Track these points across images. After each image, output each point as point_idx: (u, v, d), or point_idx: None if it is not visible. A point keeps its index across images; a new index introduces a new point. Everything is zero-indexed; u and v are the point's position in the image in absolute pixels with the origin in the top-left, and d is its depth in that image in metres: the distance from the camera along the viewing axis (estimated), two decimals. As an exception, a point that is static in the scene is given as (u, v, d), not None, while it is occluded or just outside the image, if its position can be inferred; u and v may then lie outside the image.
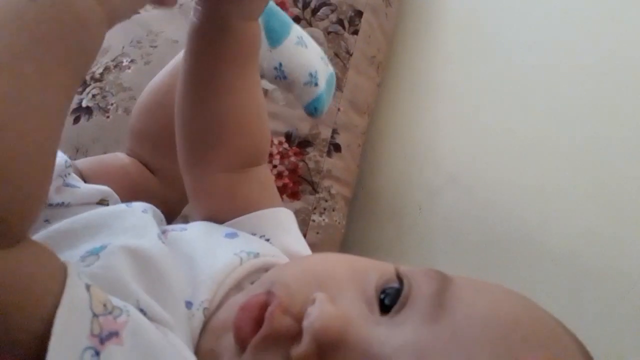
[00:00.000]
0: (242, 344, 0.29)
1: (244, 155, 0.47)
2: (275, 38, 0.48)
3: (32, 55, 0.26)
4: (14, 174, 0.24)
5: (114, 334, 0.26)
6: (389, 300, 0.30)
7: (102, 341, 0.25)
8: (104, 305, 0.26)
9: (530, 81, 0.82)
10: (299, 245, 0.48)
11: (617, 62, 0.75)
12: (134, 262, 0.31)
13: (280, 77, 0.49)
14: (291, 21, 0.50)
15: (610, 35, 0.76)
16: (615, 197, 0.70)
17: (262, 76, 0.50)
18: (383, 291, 0.31)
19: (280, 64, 0.48)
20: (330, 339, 0.28)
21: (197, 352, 0.32)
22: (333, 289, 0.31)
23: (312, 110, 0.50)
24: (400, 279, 0.31)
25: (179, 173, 0.53)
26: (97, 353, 0.25)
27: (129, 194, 0.53)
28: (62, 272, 0.26)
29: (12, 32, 0.26)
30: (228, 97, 0.45)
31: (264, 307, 0.30)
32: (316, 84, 0.48)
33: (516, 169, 0.79)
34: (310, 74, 0.48)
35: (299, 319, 0.29)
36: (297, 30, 0.50)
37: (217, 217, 0.47)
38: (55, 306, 0.25)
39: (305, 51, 0.49)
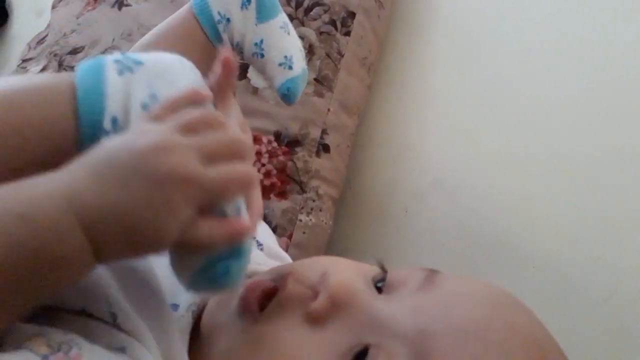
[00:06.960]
0: (248, 311, 0.31)
1: None
2: (264, 14, 0.50)
3: None
4: None
5: None
6: (381, 285, 0.34)
7: None
8: (48, 346, 0.26)
9: (519, 87, 0.83)
10: (279, 248, 0.49)
11: (603, 69, 0.76)
12: (117, 268, 0.31)
13: (258, 54, 0.51)
14: (281, 7, 0.53)
15: (600, 41, 0.77)
16: (596, 205, 0.72)
17: (241, 51, 0.52)
18: (376, 281, 0.35)
19: (262, 41, 0.50)
20: (344, 297, 0.31)
21: (189, 351, 0.32)
22: (339, 270, 0.34)
23: (285, 90, 0.50)
24: (384, 269, 0.35)
25: None
26: None
27: None
28: None
29: None
30: None
31: (269, 289, 0.32)
32: (290, 67, 0.50)
33: (501, 175, 0.80)
34: (286, 57, 0.50)
35: (311, 288, 0.32)
36: (284, 17, 0.53)
37: None
38: None
39: (287, 36, 0.52)
